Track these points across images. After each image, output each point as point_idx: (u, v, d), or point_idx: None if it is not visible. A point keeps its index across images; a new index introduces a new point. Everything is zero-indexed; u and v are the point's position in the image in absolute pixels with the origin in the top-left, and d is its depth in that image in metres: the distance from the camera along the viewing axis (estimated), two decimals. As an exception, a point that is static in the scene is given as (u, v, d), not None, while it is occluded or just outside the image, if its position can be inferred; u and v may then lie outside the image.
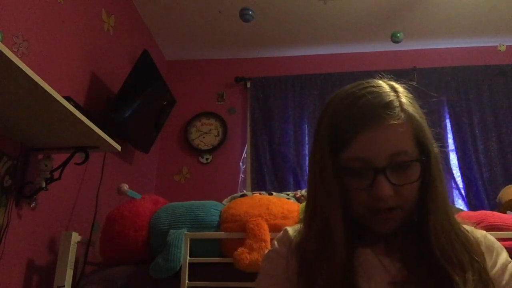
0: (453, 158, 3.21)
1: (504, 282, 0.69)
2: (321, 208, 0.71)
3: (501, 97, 3.30)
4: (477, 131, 3.21)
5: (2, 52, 1.12)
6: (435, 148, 0.72)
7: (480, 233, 0.75)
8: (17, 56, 1.21)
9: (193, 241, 1.72)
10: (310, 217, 0.74)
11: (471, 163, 3.13)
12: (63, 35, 2.10)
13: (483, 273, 0.66)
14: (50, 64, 1.97)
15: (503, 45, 3.34)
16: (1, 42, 1.50)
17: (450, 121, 3.31)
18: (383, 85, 0.72)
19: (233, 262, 1.63)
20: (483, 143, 3.18)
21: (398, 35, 3.02)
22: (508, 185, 2.58)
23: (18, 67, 1.20)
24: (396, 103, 0.69)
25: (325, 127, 0.72)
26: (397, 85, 0.73)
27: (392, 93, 0.70)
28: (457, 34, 3.38)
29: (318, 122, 0.75)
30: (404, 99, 0.71)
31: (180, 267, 1.66)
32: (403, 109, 0.69)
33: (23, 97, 1.38)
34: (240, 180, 3.33)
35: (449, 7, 3.06)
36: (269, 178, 3.23)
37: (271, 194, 2.04)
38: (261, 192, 2.13)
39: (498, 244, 0.74)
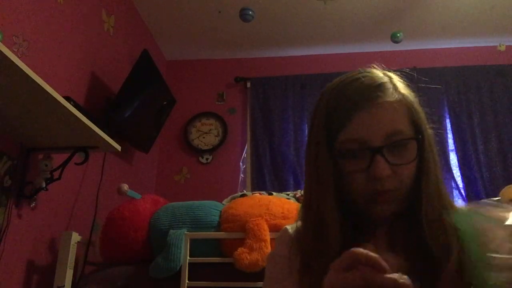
0: (453, 158, 3.21)
1: None
2: (316, 196, 0.70)
3: (501, 97, 3.30)
4: (477, 131, 3.21)
5: (2, 52, 1.12)
6: (429, 129, 0.72)
7: None
8: (17, 56, 1.21)
9: (193, 241, 1.72)
10: (306, 208, 0.74)
11: (471, 163, 3.13)
12: (63, 35, 2.10)
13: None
14: (50, 64, 1.97)
15: (503, 45, 3.34)
16: (1, 42, 1.50)
17: (450, 121, 3.31)
18: (376, 70, 0.74)
19: (233, 262, 1.63)
20: (483, 143, 3.18)
21: (398, 35, 3.02)
22: (508, 185, 2.58)
23: (18, 67, 1.20)
24: (389, 85, 0.70)
25: (320, 115, 0.72)
26: (389, 72, 0.75)
27: (385, 77, 0.71)
28: (457, 34, 3.38)
29: (313, 112, 0.75)
30: (397, 83, 0.72)
31: (180, 267, 1.66)
32: (396, 90, 0.70)
33: (23, 97, 1.38)
34: (240, 180, 3.33)
35: (449, 7, 3.06)
36: (269, 178, 3.23)
37: (271, 194, 2.04)
38: (261, 192, 2.13)
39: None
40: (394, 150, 0.66)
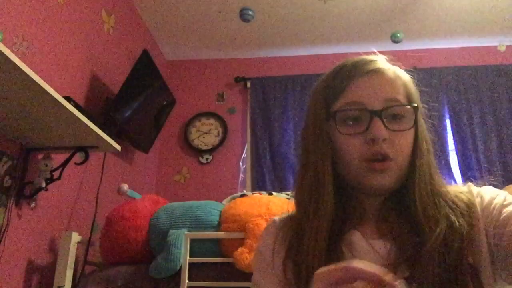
0: (453, 158, 3.21)
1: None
2: (314, 159, 0.71)
3: (501, 97, 3.30)
4: (477, 131, 3.21)
5: (2, 52, 1.12)
6: (422, 108, 0.74)
7: (477, 195, 0.70)
8: (17, 56, 1.21)
9: (193, 241, 1.72)
10: (302, 172, 0.74)
11: (471, 163, 3.13)
12: (63, 35, 2.10)
13: (457, 229, 0.63)
14: (50, 64, 1.97)
15: (503, 45, 3.34)
16: (1, 42, 1.50)
17: (450, 121, 3.31)
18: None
19: (233, 262, 1.63)
20: (483, 143, 3.18)
21: (398, 35, 3.02)
22: (508, 185, 2.59)
23: (18, 67, 1.20)
24: (385, 60, 0.74)
25: (318, 89, 0.75)
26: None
27: (383, 58, 0.75)
28: (457, 34, 3.38)
29: (312, 92, 0.77)
30: (392, 64, 0.75)
31: (180, 267, 1.66)
32: (394, 68, 0.73)
33: (23, 97, 1.38)
34: (240, 180, 3.33)
35: (449, 7, 3.06)
36: (269, 178, 3.23)
37: (271, 194, 2.04)
38: (261, 192, 2.13)
39: (493, 197, 0.68)
40: (391, 118, 0.68)
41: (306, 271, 0.65)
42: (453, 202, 0.68)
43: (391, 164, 0.67)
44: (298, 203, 0.75)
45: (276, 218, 0.81)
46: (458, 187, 0.74)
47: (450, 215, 0.65)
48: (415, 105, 0.71)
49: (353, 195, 0.72)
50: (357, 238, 0.69)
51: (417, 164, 0.69)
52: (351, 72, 0.70)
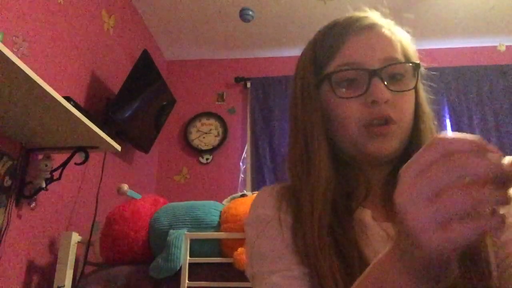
0: (453, 158, 3.21)
1: None
2: (303, 133, 0.64)
3: (501, 97, 3.30)
4: (477, 131, 3.21)
5: (2, 52, 1.12)
6: (422, 69, 0.68)
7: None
8: (17, 56, 1.21)
9: (193, 241, 1.72)
10: (291, 144, 0.67)
11: (471, 163, 3.13)
12: (63, 35, 2.10)
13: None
14: (50, 64, 1.97)
15: (503, 45, 3.34)
16: (1, 42, 1.50)
17: (450, 121, 3.31)
18: None
19: (233, 262, 1.63)
20: (483, 143, 3.18)
21: (398, 35, 3.02)
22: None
23: (18, 67, 1.20)
24: (382, 19, 0.68)
25: (306, 53, 0.68)
26: None
27: (377, 13, 0.70)
28: (457, 34, 3.38)
29: (299, 59, 0.71)
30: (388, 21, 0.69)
31: (180, 267, 1.66)
32: (389, 23, 0.67)
33: (23, 97, 1.38)
34: (240, 180, 3.33)
35: (449, 7, 3.06)
36: (269, 178, 3.23)
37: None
38: (261, 192, 2.13)
39: None
40: (391, 78, 0.62)
41: (321, 255, 0.55)
42: None
43: (394, 127, 0.60)
44: (292, 176, 0.66)
45: (270, 187, 0.69)
46: None
47: None
48: (417, 62, 0.65)
49: (355, 167, 0.64)
50: (368, 217, 0.61)
51: (421, 128, 0.63)
52: (344, 30, 0.64)
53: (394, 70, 0.62)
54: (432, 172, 0.32)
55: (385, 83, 0.60)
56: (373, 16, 0.67)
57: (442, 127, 3.27)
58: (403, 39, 0.67)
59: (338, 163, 0.63)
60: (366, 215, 0.61)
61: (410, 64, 0.64)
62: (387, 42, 0.63)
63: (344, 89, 0.62)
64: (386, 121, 0.59)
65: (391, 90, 0.60)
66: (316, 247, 0.56)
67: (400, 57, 0.64)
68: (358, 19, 0.65)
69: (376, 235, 0.60)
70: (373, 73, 0.60)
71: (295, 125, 0.67)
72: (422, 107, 0.65)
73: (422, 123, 0.64)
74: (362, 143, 0.61)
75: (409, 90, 0.62)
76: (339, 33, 0.64)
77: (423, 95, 0.67)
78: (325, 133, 0.63)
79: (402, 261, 0.36)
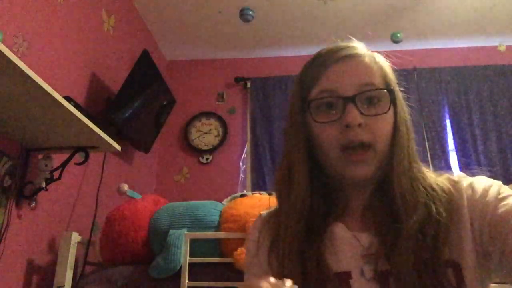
0: (453, 158, 3.22)
1: (500, 210, 0.61)
2: (288, 154, 0.71)
3: (501, 97, 3.30)
4: (477, 131, 3.21)
5: (2, 52, 1.12)
6: (400, 93, 0.72)
7: (469, 187, 0.66)
8: (17, 56, 1.21)
9: (193, 241, 1.72)
10: (278, 170, 0.74)
11: (471, 163, 3.13)
12: (63, 35, 2.10)
13: (434, 217, 0.61)
14: (50, 64, 1.97)
15: (503, 45, 3.34)
16: (1, 42, 1.50)
17: (450, 121, 3.31)
18: None
19: (233, 262, 1.63)
20: (483, 143, 3.18)
21: (398, 35, 3.02)
22: (508, 185, 2.59)
23: (18, 67, 1.20)
24: (362, 46, 0.73)
25: (296, 80, 0.75)
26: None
27: (360, 44, 0.74)
28: (457, 34, 3.38)
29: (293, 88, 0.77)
30: (371, 52, 0.73)
31: (180, 267, 1.66)
32: (368, 51, 0.72)
33: (23, 97, 1.38)
34: (240, 180, 3.33)
35: (449, 7, 3.06)
36: (269, 178, 3.23)
37: (271, 194, 2.03)
38: (261, 192, 2.13)
39: (486, 189, 0.65)
40: (366, 103, 0.66)
41: (287, 264, 0.65)
42: (433, 189, 0.65)
43: (370, 153, 0.65)
44: (276, 197, 0.75)
45: (264, 212, 0.81)
46: (441, 176, 0.70)
47: (429, 202, 0.63)
48: (391, 88, 0.68)
49: (339, 187, 0.71)
50: (339, 229, 0.68)
51: (395, 152, 0.67)
52: (325, 60, 0.70)
53: (371, 94, 0.66)
54: None
55: (359, 107, 0.65)
56: (356, 45, 0.72)
57: (442, 127, 3.27)
58: (384, 66, 0.72)
59: (319, 184, 0.70)
60: (338, 227, 0.68)
61: (385, 90, 0.68)
62: (365, 69, 0.68)
63: (323, 115, 0.67)
64: (362, 144, 0.64)
65: (365, 114, 0.65)
66: (285, 257, 0.66)
67: (378, 83, 0.68)
68: (339, 49, 0.71)
69: (343, 241, 0.67)
70: (347, 99, 0.65)
71: (284, 147, 0.74)
72: (399, 131, 0.68)
73: (397, 147, 0.68)
74: (340, 166, 0.67)
75: (383, 113, 0.66)
76: (321, 62, 0.70)
77: (404, 118, 0.71)
78: (308, 157, 0.69)
79: None
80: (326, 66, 0.68)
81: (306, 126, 0.70)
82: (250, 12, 2.82)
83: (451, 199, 0.65)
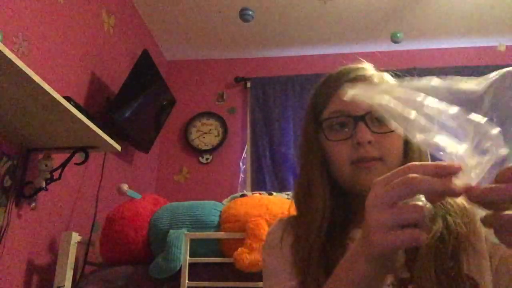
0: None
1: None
2: (305, 170, 0.75)
3: (501, 97, 3.29)
4: (477, 131, 3.21)
5: (2, 52, 1.12)
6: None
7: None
8: (17, 56, 1.21)
9: (193, 241, 1.72)
10: (297, 181, 0.78)
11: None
12: (63, 35, 2.10)
13: (453, 229, 0.64)
14: (50, 64, 1.97)
15: (503, 45, 3.34)
16: (1, 42, 1.50)
17: (450, 121, 3.31)
18: None
19: (233, 262, 1.63)
20: (483, 143, 3.18)
21: (398, 35, 3.02)
22: None
23: (18, 67, 1.20)
24: (373, 70, 0.77)
25: (309, 102, 0.79)
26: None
27: (370, 65, 0.78)
28: (457, 34, 3.38)
29: (306, 108, 0.81)
30: (380, 72, 0.77)
31: (180, 267, 1.66)
32: (380, 74, 0.76)
33: (23, 97, 1.38)
34: (240, 180, 3.33)
35: (449, 7, 3.06)
36: (269, 178, 3.23)
37: (271, 194, 2.04)
38: (261, 192, 2.13)
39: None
40: (376, 121, 0.69)
41: (312, 267, 0.66)
42: (450, 205, 0.67)
43: (377, 163, 0.68)
44: (296, 205, 0.78)
45: (279, 219, 0.83)
46: None
47: (447, 216, 0.65)
48: None
49: (356, 200, 0.73)
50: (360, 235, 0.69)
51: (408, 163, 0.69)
52: (336, 81, 0.74)
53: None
54: (393, 185, 0.42)
55: (369, 126, 0.69)
56: (366, 67, 0.77)
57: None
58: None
59: (338, 194, 0.74)
60: (359, 234, 0.67)
61: None
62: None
63: (335, 133, 0.72)
64: (371, 160, 0.69)
65: (375, 132, 0.69)
66: (306, 263, 0.68)
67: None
68: (350, 71, 0.75)
69: None
70: (357, 119, 0.69)
71: (300, 164, 0.79)
72: (411, 145, 0.72)
73: (409, 161, 0.69)
74: (353, 178, 0.70)
75: (391, 132, 0.69)
76: (333, 83, 0.74)
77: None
78: (325, 171, 0.74)
79: (363, 252, 0.46)
80: (336, 88, 0.72)
81: (320, 143, 0.74)
82: (250, 12, 2.82)
83: (466, 214, 0.67)
